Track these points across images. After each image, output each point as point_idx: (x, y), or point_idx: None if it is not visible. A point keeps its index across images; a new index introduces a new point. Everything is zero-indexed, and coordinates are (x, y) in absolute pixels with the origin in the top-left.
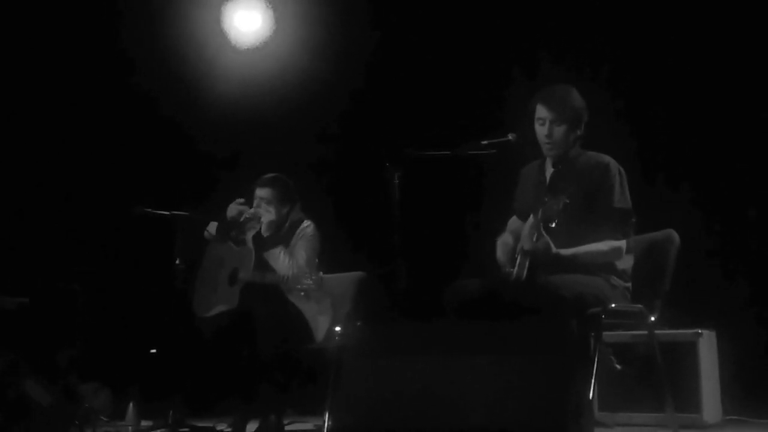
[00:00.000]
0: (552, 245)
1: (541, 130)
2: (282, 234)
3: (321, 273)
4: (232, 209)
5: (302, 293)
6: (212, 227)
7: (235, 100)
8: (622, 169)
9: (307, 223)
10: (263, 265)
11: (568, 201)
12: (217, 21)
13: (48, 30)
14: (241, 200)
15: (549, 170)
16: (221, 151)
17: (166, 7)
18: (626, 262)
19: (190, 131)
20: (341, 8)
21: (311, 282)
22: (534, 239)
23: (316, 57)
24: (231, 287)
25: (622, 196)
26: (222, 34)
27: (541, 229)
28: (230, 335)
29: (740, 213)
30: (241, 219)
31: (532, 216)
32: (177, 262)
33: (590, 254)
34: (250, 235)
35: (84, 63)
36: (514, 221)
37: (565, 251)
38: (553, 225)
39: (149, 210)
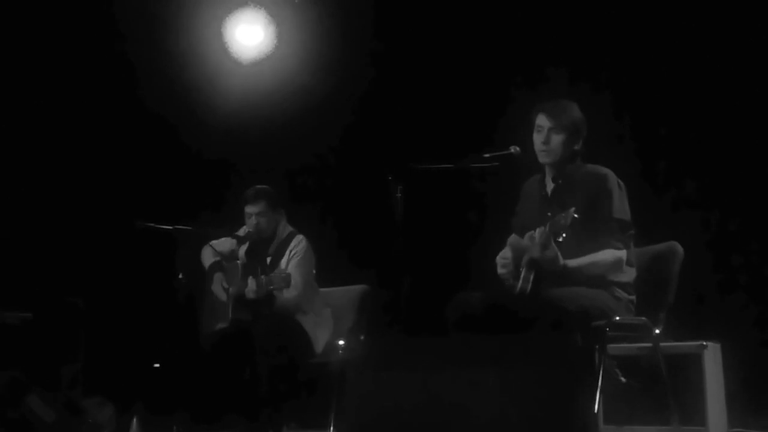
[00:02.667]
0: (560, 256)
1: (538, 138)
2: (278, 256)
3: (289, 273)
4: (222, 245)
5: (273, 289)
6: (206, 251)
7: (237, 113)
8: (621, 182)
9: (298, 239)
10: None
11: (576, 216)
12: (219, 35)
13: (53, 45)
14: (226, 238)
15: (549, 185)
16: (222, 164)
17: (168, 21)
18: (629, 275)
19: (193, 144)
20: (343, 22)
21: (281, 280)
22: (543, 249)
23: (318, 71)
24: (225, 303)
25: (621, 207)
26: (224, 49)
27: (552, 239)
28: (228, 349)
29: (744, 224)
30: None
31: (537, 229)
32: (179, 276)
33: (595, 265)
34: (242, 251)
35: (87, 77)
36: (513, 238)
37: (572, 262)
38: (561, 239)
39: (151, 224)
